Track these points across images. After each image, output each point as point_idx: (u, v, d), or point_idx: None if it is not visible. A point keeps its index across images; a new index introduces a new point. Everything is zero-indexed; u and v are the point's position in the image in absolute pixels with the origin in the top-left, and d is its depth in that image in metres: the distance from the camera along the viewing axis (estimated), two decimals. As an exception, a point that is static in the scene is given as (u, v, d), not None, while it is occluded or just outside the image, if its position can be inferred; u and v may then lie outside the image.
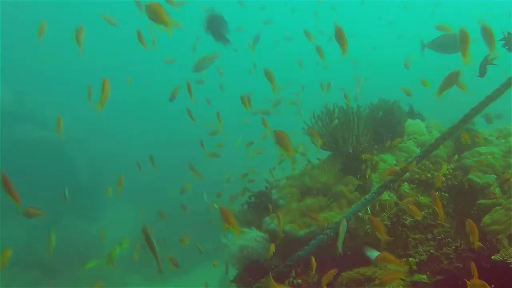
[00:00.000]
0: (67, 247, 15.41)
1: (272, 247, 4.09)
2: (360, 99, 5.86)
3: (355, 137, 4.81)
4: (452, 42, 4.65)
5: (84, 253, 15.00)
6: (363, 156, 4.55)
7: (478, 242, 3.33)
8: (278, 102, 11.37)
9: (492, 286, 3.02)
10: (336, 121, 4.78)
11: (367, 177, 4.47)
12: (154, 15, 3.39)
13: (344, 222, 3.61)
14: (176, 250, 14.31)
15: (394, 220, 4.13)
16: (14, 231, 17.46)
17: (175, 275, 14.49)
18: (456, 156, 4.67)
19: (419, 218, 4.04)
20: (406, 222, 4.10)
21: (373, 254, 3.92)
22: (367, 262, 4.00)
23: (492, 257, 3.31)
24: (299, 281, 4.04)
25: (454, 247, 3.86)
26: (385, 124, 5.16)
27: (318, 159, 5.50)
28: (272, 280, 3.52)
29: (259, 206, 5.04)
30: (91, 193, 19.26)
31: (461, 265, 3.69)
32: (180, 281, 13.95)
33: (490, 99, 4.12)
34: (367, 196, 4.05)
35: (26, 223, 18.05)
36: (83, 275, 14.14)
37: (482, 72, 4.17)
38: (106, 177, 16.98)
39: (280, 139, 3.49)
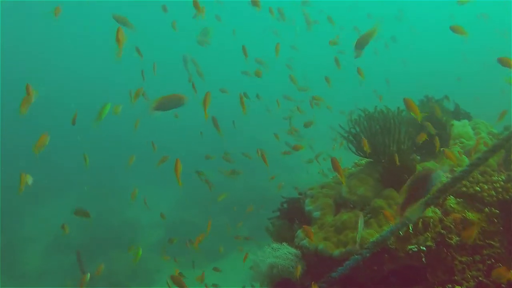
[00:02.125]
0: (103, 231, 15.54)
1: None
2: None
3: (396, 144, 4.44)
4: None
5: (119, 237, 15.07)
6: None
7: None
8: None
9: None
10: (377, 126, 4.42)
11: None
12: None
13: (361, 216, 3.60)
14: (211, 235, 14.22)
15: (439, 240, 3.77)
16: (51, 215, 17.72)
17: (210, 260, 14.45)
18: None
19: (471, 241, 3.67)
20: (451, 242, 3.74)
21: None
22: (408, 285, 3.69)
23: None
24: (333, 304, 3.75)
25: (506, 274, 3.49)
26: (425, 129, 4.75)
27: (356, 164, 5.16)
28: None
29: (292, 215, 4.75)
30: (126, 176, 19.36)
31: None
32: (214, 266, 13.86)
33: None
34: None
35: (62, 207, 18.33)
36: (118, 259, 14.24)
37: None
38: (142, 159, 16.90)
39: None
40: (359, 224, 3.42)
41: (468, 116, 5.73)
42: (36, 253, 15.33)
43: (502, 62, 4.33)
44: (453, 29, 5.14)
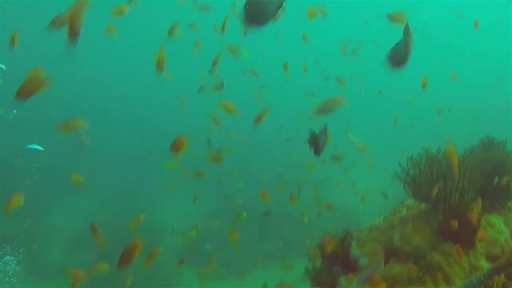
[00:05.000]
0: (126, 232, 15.33)
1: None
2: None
3: (459, 192, 4.00)
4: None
5: (141, 239, 14.80)
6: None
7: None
8: None
9: None
10: (440, 171, 3.99)
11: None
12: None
13: None
14: (235, 250, 13.87)
15: (502, 309, 3.32)
16: (74, 211, 17.62)
17: (231, 276, 14.15)
18: None
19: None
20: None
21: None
22: None
23: None
24: None
25: None
26: (493, 178, 4.29)
27: (407, 206, 4.73)
28: None
29: (333, 257, 4.34)
30: (153, 179, 19.21)
31: None
32: (236, 282, 13.53)
33: None
34: (472, 279, 3.26)
35: (85, 204, 18.24)
36: (138, 261, 13.99)
37: None
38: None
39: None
40: None
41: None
42: (59, 246, 15.26)
43: None
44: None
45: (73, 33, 2.65)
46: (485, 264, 3.59)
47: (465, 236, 3.73)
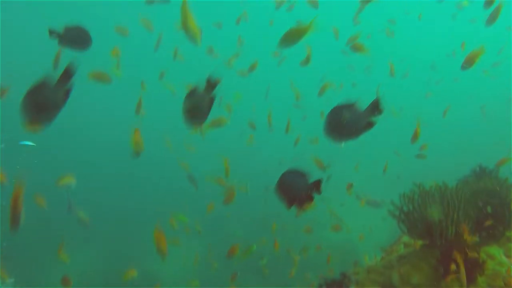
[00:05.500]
0: (121, 283, 15.03)
1: None
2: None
3: (455, 225, 3.93)
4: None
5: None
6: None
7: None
8: None
9: None
10: (433, 205, 3.93)
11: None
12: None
13: None
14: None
15: None
16: (72, 264, 17.26)
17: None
18: None
19: None
20: None
21: None
22: None
23: None
24: None
25: None
26: (488, 207, 4.24)
27: (405, 245, 4.65)
28: None
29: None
30: (147, 223, 18.88)
31: None
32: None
33: None
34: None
35: (84, 258, 17.89)
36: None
37: None
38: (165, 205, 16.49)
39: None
40: None
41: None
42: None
43: None
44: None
45: (15, 219, 2.82)
46: (488, 299, 3.50)
47: (465, 271, 3.64)
